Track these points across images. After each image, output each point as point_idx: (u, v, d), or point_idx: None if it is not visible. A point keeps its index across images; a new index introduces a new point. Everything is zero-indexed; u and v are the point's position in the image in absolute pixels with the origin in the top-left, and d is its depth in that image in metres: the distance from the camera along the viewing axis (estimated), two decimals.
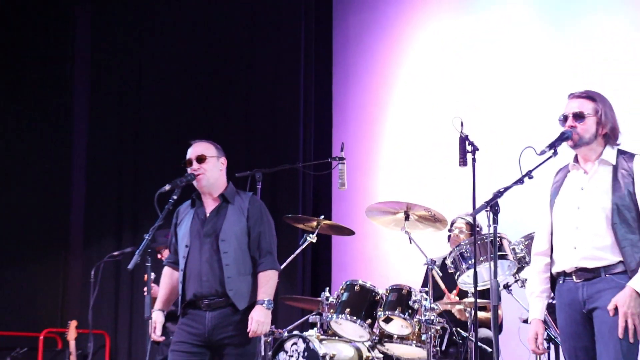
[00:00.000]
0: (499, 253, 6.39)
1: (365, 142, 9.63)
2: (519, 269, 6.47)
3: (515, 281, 6.47)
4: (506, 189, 4.42)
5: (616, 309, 4.27)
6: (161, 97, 11.12)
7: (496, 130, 8.66)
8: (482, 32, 9.28)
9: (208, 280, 5.14)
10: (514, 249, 6.45)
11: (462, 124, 6.46)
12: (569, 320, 4.48)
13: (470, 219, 7.15)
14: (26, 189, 10.95)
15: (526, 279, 6.49)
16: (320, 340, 6.76)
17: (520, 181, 4.44)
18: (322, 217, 7.17)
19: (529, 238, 6.50)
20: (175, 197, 5.23)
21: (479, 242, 6.34)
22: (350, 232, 7.41)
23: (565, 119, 4.53)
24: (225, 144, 5.71)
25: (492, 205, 4.36)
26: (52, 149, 11.33)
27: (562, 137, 4.47)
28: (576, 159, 4.58)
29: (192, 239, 5.22)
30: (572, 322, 4.47)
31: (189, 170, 5.31)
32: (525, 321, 6.75)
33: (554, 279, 4.61)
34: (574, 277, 4.45)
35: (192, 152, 5.36)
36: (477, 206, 6.17)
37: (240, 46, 10.69)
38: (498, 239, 6.39)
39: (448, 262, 6.61)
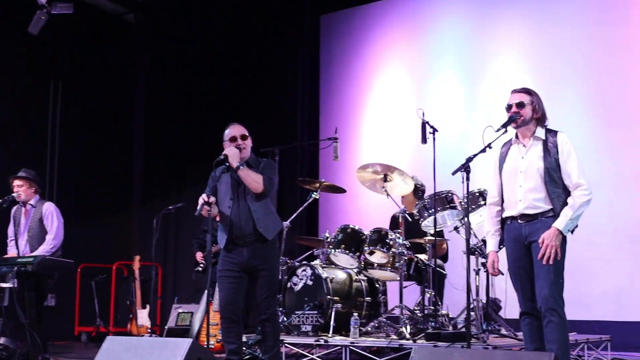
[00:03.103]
0: (450, 205, 6.42)
1: (349, 127, 9.53)
2: (464, 216, 6.49)
3: (462, 225, 6.45)
4: (474, 155, 4.41)
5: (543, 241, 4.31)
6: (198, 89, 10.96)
7: (452, 117, 8.63)
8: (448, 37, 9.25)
9: (247, 223, 5.08)
10: (460, 202, 6.46)
11: (423, 113, 6.49)
12: (514, 249, 4.49)
13: (417, 182, 7.15)
14: (101, 160, 10.72)
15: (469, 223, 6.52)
16: (322, 267, 6.76)
17: (483, 150, 4.44)
18: (323, 179, 7.13)
19: (471, 194, 6.52)
20: (224, 165, 5.11)
21: (436, 197, 6.36)
22: (343, 191, 7.38)
23: (510, 107, 4.53)
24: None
25: (466, 168, 4.34)
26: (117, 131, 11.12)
27: (510, 120, 4.48)
28: (517, 136, 4.57)
29: (233, 194, 5.14)
30: (517, 251, 4.47)
31: (230, 145, 5.18)
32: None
33: (503, 221, 4.61)
34: (518, 220, 4.47)
35: (236, 131, 5.23)
36: (436, 171, 6.27)
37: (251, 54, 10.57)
38: (450, 195, 6.44)
39: (414, 211, 6.61)
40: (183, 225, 10.48)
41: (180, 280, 10.76)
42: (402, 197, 7.06)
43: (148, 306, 9.50)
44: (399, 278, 6.59)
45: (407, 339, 5.94)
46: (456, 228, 6.46)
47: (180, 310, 9.08)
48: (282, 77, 10.28)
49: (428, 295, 6.46)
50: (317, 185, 7.11)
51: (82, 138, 10.45)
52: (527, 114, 4.49)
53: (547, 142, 4.45)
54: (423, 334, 5.91)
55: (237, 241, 5.10)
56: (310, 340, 6.29)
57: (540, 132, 4.50)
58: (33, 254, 6.68)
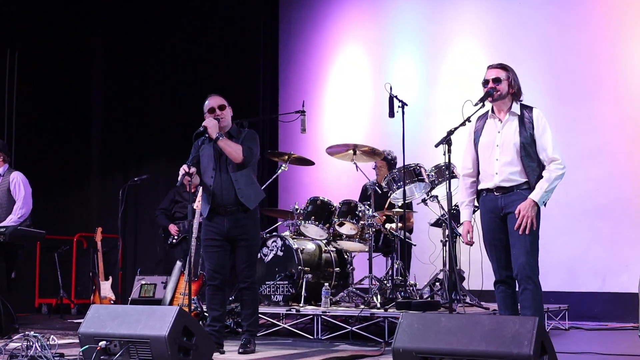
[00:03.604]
0: (418, 177, 6.56)
1: (310, 101, 9.58)
2: (431, 189, 6.64)
3: (429, 197, 6.60)
4: (455, 128, 4.51)
5: (520, 212, 4.48)
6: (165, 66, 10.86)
7: (413, 94, 8.73)
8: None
9: (228, 193, 5.14)
10: (428, 175, 6.61)
11: (390, 87, 6.59)
12: (490, 221, 4.63)
13: (386, 156, 7.27)
14: (58, 131, 10.55)
15: (436, 195, 6.69)
16: (292, 238, 6.85)
17: (463, 124, 4.55)
18: (291, 152, 7.20)
19: (438, 167, 6.68)
20: (204, 136, 5.15)
21: (405, 170, 6.50)
22: (311, 163, 7.45)
23: (486, 82, 4.65)
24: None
25: (447, 141, 4.45)
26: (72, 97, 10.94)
27: (487, 95, 4.59)
28: (492, 110, 4.71)
29: (216, 164, 5.19)
30: (492, 222, 4.62)
31: (209, 116, 5.20)
32: (433, 224, 6.97)
33: (478, 193, 4.75)
34: (494, 192, 4.61)
35: (214, 102, 5.26)
36: (406, 147, 6.39)
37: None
38: (418, 167, 6.58)
39: (383, 183, 6.73)
40: (143, 197, 10.44)
41: (141, 252, 10.74)
42: (377, 168, 7.18)
43: (111, 278, 9.47)
44: (367, 249, 6.73)
45: (378, 308, 6.09)
46: (424, 200, 6.60)
47: (143, 282, 9.09)
48: (243, 49, 10.27)
49: (396, 265, 6.62)
50: (286, 157, 7.17)
51: (38, 108, 10.28)
52: (503, 89, 4.62)
53: (523, 117, 4.60)
54: (393, 303, 6.06)
55: (219, 210, 5.17)
56: (282, 310, 6.40)
57: (516, 108, 4.64)
58: (1, 224, 6.61)
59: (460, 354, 3.50)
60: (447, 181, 4.43)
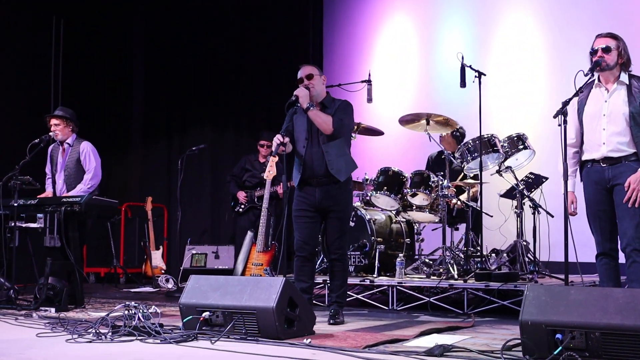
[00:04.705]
0: (493, 148, 6.45)
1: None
2: (505, 159, 6.54)
3: (506, 168, 6.49)
4: (569, 99, 4.41)
5: (630, 185, 4.39)
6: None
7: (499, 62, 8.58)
8: None
9: (319, 164, 5.07)
10: (502, 145, 6.51)
11: (462, 57, 6.48)
12: (595, 192, 4.57)
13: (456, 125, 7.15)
14: (99, 99, 10.44)
15: (509, 166, 6.58)
16: (364, 209, 6.78)
17: (576, 94, 4.46)
18: (360, 122, 7.09)
19: (510, 138, 6.58)
20: (296, 106, 5.05)
21: (477, 141, 6.39)
22: (380, 133, 7.35)
23: (595, 52, 4.56)
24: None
25: (564, 112, 4.35)
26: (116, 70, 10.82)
27: (597, 64, 4.50)
28: (599, 80, 4.61)
29: (308, 134, 5.10)
30: (598, 193, 4.55)
31: (301, 85, 5.13)
32: (503, 195, 6.87)
33: (581, 164, 4.67)
34: (601, 163, 4.53)
35: (302, 72, 5.20)
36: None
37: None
38: (493, 138, 6.47)
39: (457, 154, 6.63)
40: (190, 167, 10.35)
41: (188, 222, 10.66)
42: (441, 138, 7.08)
43: (161, 247, 9.44)
44: (437, 220, 6.66)
45: (456, 279, 6.03)
46: (498, 171, 6.50)
47: (194, 252, 9.05)
48: (288, 17, 10.12)
49: (470, 237, 6.55)
50: (355, 127, 7.06)
51: (82, 76, 10.15)
52: (612, 59, 4.52)
53: (632, 87, 4.51)
54: (472, 274, 6.00)
55: (310, 181, 5.10)
56: (355, 281, 6.33)
57: (624, 78, 4.55)
58: (70, 193, 6.54)
59: (594, 327, 3.43)
60: (563, 151, 4.29)
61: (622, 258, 4.54)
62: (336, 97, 5.32)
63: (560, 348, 3.42)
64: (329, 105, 5.15)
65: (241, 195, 8.16)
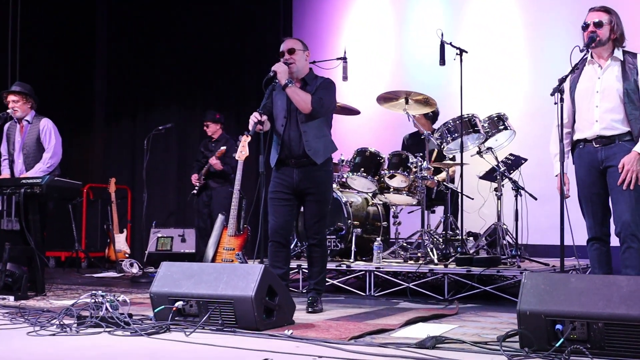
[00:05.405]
0: (474, 129, 6.24)
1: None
2: (485, 140, 6.34)
3: (487, 149, 6.29)
4: (565, 76, 4.18)
5: (624, 166, 4.20)
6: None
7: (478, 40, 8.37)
8: None
9: (297, 144, 4.78)
10: (483, 125, 6.30)
11: (442, 34, 6.27)
12: (588, 174, 4.36)
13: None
14: (59, 77, 9.99)
15: (490, 147, 6.39)
16: (340, 191, 6.53)
17: (572, 71, 4.23)
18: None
19: (491, 118, 6.38)
20: (275, 82, 4.73)
21: (458, 121, 6.18)
22: (357, 112, 7.08)
23: (587, 26, 4.34)
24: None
25: (560, 90, 4.12)
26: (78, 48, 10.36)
27: (592, 40, 4.28)
28: (591, 56, 4.39)
29: (287, 113, 4.81)
30: (591, 175, 4.35)
31: (281, 60, 4.81)
32: (482, 177, 6.67)
33: (573, 144, 4.46)
34: (593, 143, 4.33)
35: (284, 46, 4.88)
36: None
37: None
38: (474, 118, 6.26)
39: (436, 135, 6.40)
40: (156, 147, 9.99)
41: (153, 204, 10.32)
42: (415, 118, 6.83)
43: (125, 231, 9.09)
44: (414, 202, 6.44)
45: (436, 264, 5.82)
46: (479, 152, 6.29)
47: (159, 235, 8.74)
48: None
49: (447, 219, 6.33)
50: None
51: (41, 52, 9.70)
52: (604, 34, 4.31)
53: (626, 63, 4.30)
54: (453, 259, 5.79)
55: (287, 162, 4.83)
56: (331, 265, 6.08)
57: (618, 53, 4.34)
58: (28, 173, 6.18)
59: (596, 317, 3.22)
60: (559, 131, 4.07)
61: (613, 242, 4.36)
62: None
63: (562, 339, 3.20)
64: (310, 83, 4.86)
65: (194, 178, 7.96)
